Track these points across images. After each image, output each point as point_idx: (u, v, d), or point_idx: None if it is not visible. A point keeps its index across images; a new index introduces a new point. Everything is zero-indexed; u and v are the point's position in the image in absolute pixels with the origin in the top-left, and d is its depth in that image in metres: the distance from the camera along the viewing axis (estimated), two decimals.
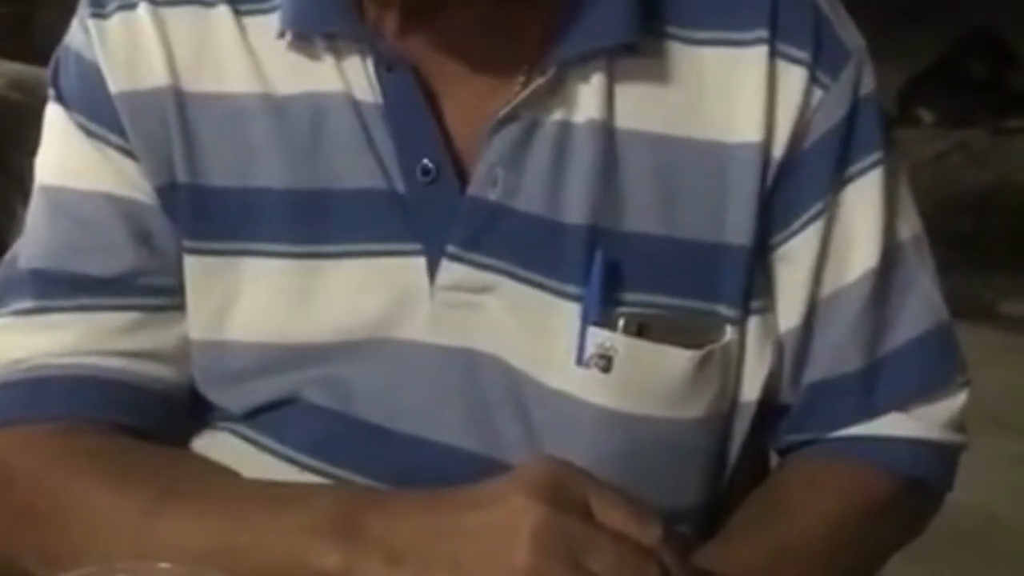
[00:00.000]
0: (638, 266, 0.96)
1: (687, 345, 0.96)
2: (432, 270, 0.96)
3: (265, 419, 0.99)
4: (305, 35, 0.97)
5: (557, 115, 0.96)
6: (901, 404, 1.02)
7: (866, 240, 1.00)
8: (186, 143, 0.98)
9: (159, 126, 0.98)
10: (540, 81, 0.95)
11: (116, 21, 1.00)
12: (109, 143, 0.99)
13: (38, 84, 2.38)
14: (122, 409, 0.99)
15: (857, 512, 1.01)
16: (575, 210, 0.96)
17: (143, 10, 0.99)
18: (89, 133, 0.99)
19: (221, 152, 0.98)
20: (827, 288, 1.00)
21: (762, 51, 0.97)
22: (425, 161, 0.96)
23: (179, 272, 0.99)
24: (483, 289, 0.96)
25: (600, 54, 0.96)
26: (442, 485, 0.88)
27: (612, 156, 0.96)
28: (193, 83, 0.99)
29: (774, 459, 1.08)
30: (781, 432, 1.04)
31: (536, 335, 0.96)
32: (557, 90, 0.96)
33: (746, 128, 0.97)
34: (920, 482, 1.04)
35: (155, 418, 1.01)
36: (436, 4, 0.95)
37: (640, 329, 0.95)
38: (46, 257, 1.00)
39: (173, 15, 0.99)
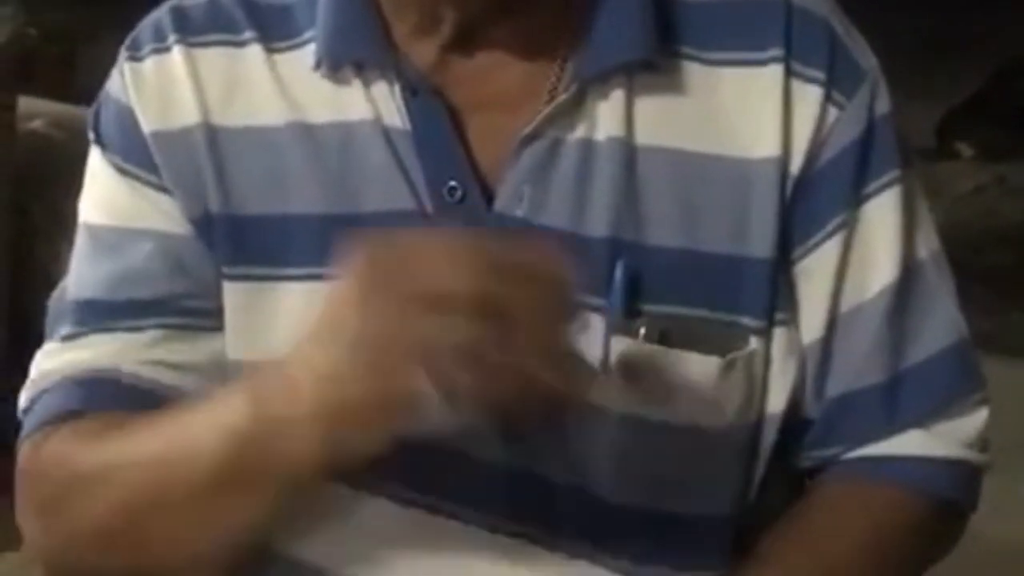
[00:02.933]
0: (660, 278, 0.98)
1: (710, 353, 0.97)
2: None
3: None
4: (336, 65, 1.00)
5: (579, 132, 0.98)
6: (923, 419, 1.03)
7: (885, 256, 1.01)
8: (218, 175, 1.01)
9: (190, 162, 1.01)
10: (562, 99, 0.97)
11: (150, 64, 1.03)
12: (145, 181, 1.02)
13: (80, 123, 2.40)
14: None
15: (886, 534, 1.02)
16: (598, 224, 0.97)
17: (176, 52, 1.03)
18: (124, 172, 1.03)
19: (254, 182, 1.01)
20: (847, 303, 1.01)
21: (777, 69, 0.99)
22: (452, 182, 0.98)
23: (219, 295, 1.02)
24: None
25: (619, 72, 0.98)
26: (470, 493, 0.94)
27: (633, 171, 0.98)
28: (224, 118, 1.02)
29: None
30: (806, 447, 1.05)
31: None
32: (579, 108, 0.98)
33: (764, 144, 0.99)
34: (947, 502, 1.04)
35: None
36: (478, 29, 0.98)
37: (662, 337, 0.97)
38: (90, 289, 1.03)
39: (205, 55, 1.03)
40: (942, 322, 1.03)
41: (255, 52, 1.03)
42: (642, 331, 0.97)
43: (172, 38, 1.03)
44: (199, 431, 0.90)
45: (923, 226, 1.04)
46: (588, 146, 0.98)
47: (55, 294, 1.07)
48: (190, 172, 1.01)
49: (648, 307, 0.97)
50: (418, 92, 0.99)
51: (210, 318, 1.02)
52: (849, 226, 1.01)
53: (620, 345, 0.97)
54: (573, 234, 0.98)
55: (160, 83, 1.03)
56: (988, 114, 5.23)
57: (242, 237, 1.01)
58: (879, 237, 1.01)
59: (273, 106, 1.01)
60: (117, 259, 1.02)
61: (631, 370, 0.97)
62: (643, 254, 0.97)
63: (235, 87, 1.02)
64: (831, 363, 1.02)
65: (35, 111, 2.73)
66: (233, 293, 1.01)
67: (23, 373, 1.06)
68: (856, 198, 1.01)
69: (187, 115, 1.01)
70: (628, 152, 0.98)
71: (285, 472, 0.87)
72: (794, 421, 1.03)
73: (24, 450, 1.02)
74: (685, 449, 0.98)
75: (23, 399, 1.05)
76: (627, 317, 0.97)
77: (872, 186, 1.01)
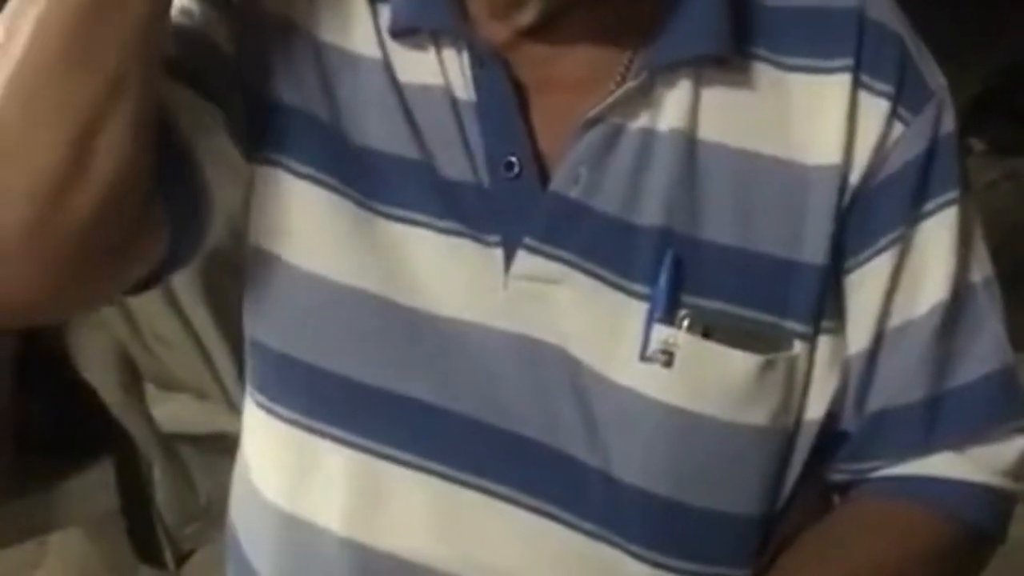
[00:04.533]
0: (708, 272, 0.97)
1: (751, 351, 0.97)
2: (508, 260, 0.98)
3: (314, 399, 1.00)
4: (410, 32, 1.00)
5: (643, 121, 0.98)
6: (960, 442, 1.03)
7: (938, 275, 1.01)
8: (287, 61, 0.99)
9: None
10: (630, 86, 0.97)
11: None
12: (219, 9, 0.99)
13: None
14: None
15: (910, 554, 1.02)
16: (651, 213, 0.97)
17: None
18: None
19: (357, 106, 1.00)
20: (896, 318, 1.01)
21: (845, 79, 0.99)
22: (511, 157, 0.98)
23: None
24: (554, 281, 0.98)
25: (689, 65, 0.98)
26: (493, 465, 0.94)
27: (692, 165, 0.98)
28: (322, 33, 1.01)
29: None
30: (840, 460, 1.05)
31: (602, 330, 0.97)
32: (645, 97, 0.98)
33: (825, 151, 0.98)
34: (975, 528, 1.04)
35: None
36: (557, 16, 0.98)
37: (705, 331, 0.97)
38: None
39: None
40: (988, 346, 1.03)
41: None
42: (685, 323, 0.97)
43: None
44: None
45: (977, 249, 1.04)
46: (650, 135, 0.98)
47: None
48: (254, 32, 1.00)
49: (694, 300, 0.97)
50: (485, 63, 0.99)
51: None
52: (904, 242, 1.00)
53: (661, 334, 0.97)
54: (624, 220, 0.98)
55: None
56: (1000, 109, 5.22)
57: (276, 123, 0.99)
58: (933, 256, 1.01)
59: (369, 41, 1.01)
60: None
61: (669, 358, 0.96)
62: (694, 247, 0.97)
63: (343, 10, 1.01)
64: (874, 377, 1.02)
65: None
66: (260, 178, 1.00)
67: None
68: (914, 215, 1.00)
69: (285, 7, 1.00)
70: (689, 145, 0.98)
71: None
72: (831, 432, 1.02)
73: None
74: (717, 445, 0.98)
75: None
76: (671, 308, 0.97)
77: (930, 205, 1.01)
